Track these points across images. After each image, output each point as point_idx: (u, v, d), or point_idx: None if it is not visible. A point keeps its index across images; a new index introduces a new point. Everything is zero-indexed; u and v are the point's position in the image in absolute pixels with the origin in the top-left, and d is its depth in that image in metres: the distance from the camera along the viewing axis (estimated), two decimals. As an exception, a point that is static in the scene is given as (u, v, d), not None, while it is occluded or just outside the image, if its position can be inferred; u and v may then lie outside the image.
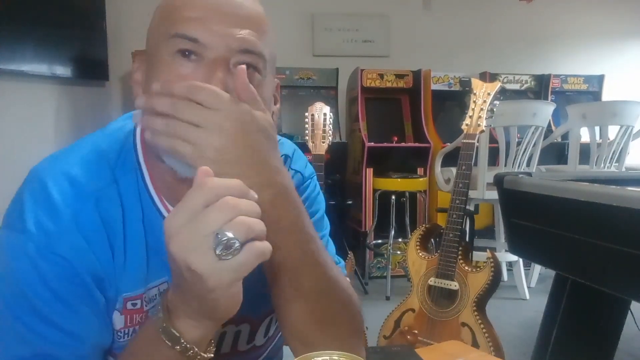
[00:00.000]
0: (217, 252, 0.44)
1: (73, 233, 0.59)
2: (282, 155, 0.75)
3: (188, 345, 0.52)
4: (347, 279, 0.75)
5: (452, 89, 3.83)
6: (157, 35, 0.60)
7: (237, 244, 0.45)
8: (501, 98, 2.01)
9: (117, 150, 0.65)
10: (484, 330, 1.68)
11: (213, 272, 0.45)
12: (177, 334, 0.52)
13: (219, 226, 0.44)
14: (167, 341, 0.52)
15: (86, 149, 0.65)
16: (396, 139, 3.60)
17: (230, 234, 0.44)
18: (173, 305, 0.53)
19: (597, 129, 2.98)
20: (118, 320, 0.64)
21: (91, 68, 3.10)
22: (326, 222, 0.82)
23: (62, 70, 2.80)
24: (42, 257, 0.58)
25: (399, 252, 3.35)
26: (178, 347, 0.52)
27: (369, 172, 3.49)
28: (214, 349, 0.57)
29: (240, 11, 0.60)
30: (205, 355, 0.55)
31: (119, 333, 0.64)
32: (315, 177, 0.82)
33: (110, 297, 0.62)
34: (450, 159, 2.62)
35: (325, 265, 0.63)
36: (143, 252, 0.63)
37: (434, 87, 3.80)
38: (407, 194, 3.37)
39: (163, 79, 0.56)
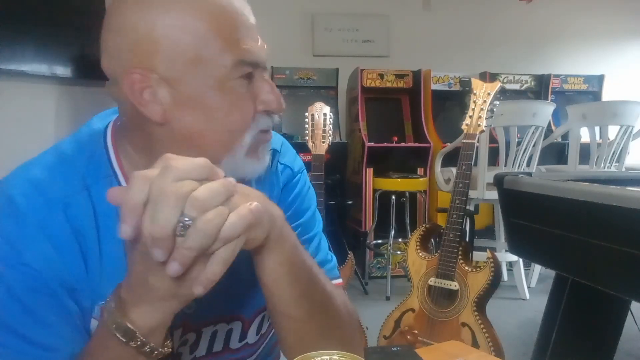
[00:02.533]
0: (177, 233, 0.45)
1: (40, 241, 0.57)
2: (269, 150, 0.74)
3: (144, 340, 0.50)
4: (343, 291, 0.74)
5: (452, 89, 3.83)
6: (201, 59, 0.58)
7: (188, 221, 0.44)
8: (501, 98, 2.01)
9: (87, 157, 0.64)
10: (484, 330, 1.68)
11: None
12: (132, 328, 0.50)
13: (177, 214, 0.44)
14: (121, 337, 0.50)
15: (51, 156, 0.64)
16: (396, 139, 3.60)
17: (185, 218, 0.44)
18: (128, 292, 0.51)
19: (597, 129, 2.98)
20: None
21: (91, 68, 3.08)
22: (318, 218, 0.80)
23: (62, 70, 2.79)
24: (8, 267, 0.56)
25: (399, 252, 3.35)
26: (133, 343, 0.50)
27: (369, 172, 3.49)
28: (171, 346, 0.55)
29: (253, 19, 0.63)
30: (163, 350, 0.53)
31: None
32: (304, 170, 0.81)
33: (86, 306, 0.61)
34: (450, 159, 2.62)
35: (320, 288, 0.63)
36: (122, 260, 0.61)
37: (434, 87, 3.80)
38: (407, 194, 3.37)
39: (227, 103, 0.60)
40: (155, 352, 0.52)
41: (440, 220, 3.13)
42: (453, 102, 3.78)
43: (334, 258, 0.80)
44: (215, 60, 0.59)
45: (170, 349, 0.54)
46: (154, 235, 0.44)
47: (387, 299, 3.10)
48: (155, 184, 0.44)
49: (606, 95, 4.09)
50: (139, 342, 0.50)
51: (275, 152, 0.76)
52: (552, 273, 1.63)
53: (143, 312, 0.50)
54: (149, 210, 0.44)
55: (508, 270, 3.40)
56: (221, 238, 0.46)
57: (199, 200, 0.44)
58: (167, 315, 0.51)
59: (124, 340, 0.50)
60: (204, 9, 0.58)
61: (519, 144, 2.94)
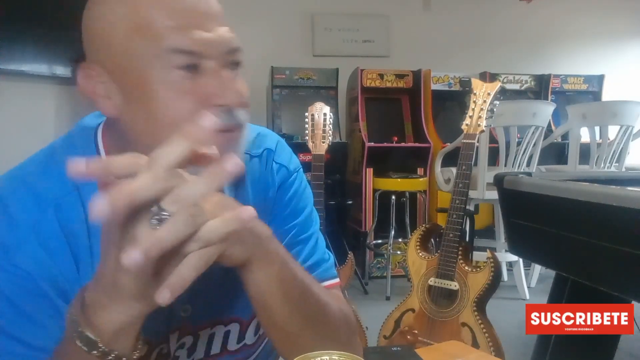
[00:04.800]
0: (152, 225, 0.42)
1: (31, 243, 0.57)
2: (264, 150, 0.73)
3: (106, 349, 0.48)
4: (339, 293, 0.73)
5: (452, 89, 3.83)
6: (135, 50, 0.56)
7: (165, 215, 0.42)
8: (501, 98, 2.01)
9: (77, 155, 0.63)
10: (484, 330, 1.68)
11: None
12: (94, 338, 0.47)
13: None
14: (83, 346, 0.47)
15: (43, 156, 0.64)
16: (396, 139, 3.60)
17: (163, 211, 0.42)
18: (95, 292, 0.48)
19: (597, 129, 2.98)
20: None
21: (91, 68, 3.09)
22: (315, 217, 0.78)
23: (62, 70, 2.79)
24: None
25: (399, 252, 3.35)
26: (95, 352, 0.47)
27: (369, 172, 3.49)
28: (141, 352, 0.51)
29: (211, 8, 0.58)
30: (131, 358, 0.50)
31: None
32: (301, 170, 0.79)
33: None
34: (450, 159, 2.62)
35: (314, 300, 0.61)
36: None
37: (434, 87, 3.80)
38: (407, 194, 3.37)
39: (166, 97, 0.56)
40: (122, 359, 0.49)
41: (440, 220, 3.13)
42: (453, 102, 3.78)
43: (332, 257, 0.79)
44: (148, 50, 0.56)
45: (139, 356, 0.51)
46: (119, 214, 0.41)
47: (387, 299, 3.10)
48: (148, 170, 0.42)
49: (606, 95, 4.09)
50: (101, 351, 0.48)
51: (270, 152, 0.75)
52: (552, 273, 1.63)
53: (109, 313, 0.47)
54: (129, 188, 0.41)
55: (508, 270, 3.40)
56: (198, 237, 0.43)
57: (179, 196, 0.42)
58: (135, 319, 0.48)
59: (85, 349, 0.47)
60: None
61: (519, 144, 2.94)
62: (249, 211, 0.45)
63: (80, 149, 0.64)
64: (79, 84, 0.60)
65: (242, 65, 0.61)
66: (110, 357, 0.48)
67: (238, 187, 0.69)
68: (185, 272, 0.44)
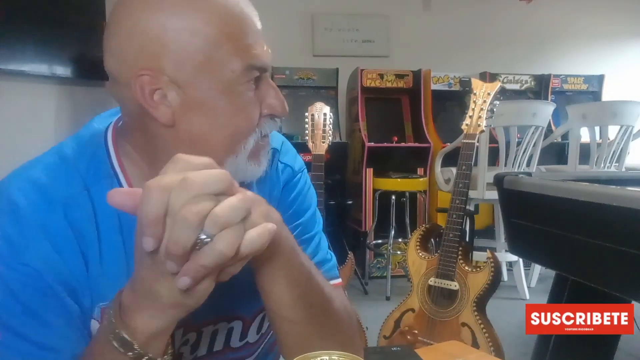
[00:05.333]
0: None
1: (40, 241, 0.57)
2: (270, 149, 0.73)
3: (141, 351, 0.50)
4: (342, 292, 0.74)
5: (452, 89, 3.83)
6: (214, 60, 0.58)
7: (206, 239, 0.44)
8: (501, 98, 2.01)
9: (87, 158, 0.64)
10: (484, 330, 1.68)
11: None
12: (129, 339, 0.49)
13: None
14: (118, 347, 0.50)
15: (52, 157, 0.64)
16: (396, 139, 3.60)
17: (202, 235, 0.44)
18: (131, 297, 0.50)
19: (597, 129, 2.98)
20: (97, 328, 0.61)
21: (91, 68, 3.08)
22: (318, 217, 0.80)
23: (62, 70, 2.79)
24: (8, 267, 0.56)
25: (399, 252, 3.35)
26: (130, 354, 0.50)
27: (369, 172, 3.49)
28: (171, 356, 0.54)
29: (259, 26, 0.63)
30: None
31: None
32: (305, 170, 0.80)
33: (86, 306, 0.61)
34: (450, 159, 2.62)
35: (319, 291, 0.63)
36: (122, 261, 0.62)
37: (434, 87, 3.80)
38: (407, 194, 3.37)
39: (235, 107, 0.61)
40: None
41: (440, 220, 3.13)
42: (453, 102, 3.78)
43: (334, 258, 0.79)
44: (225, 65, 0.59)
45: (170, 358, 0.54)
46: (171, 252, 0.44)
47: (387, 299, 3.10)
48: (175, 199, 0.43)
49: (606, 95, 4.09)
50: (136, 353, 0.50)
51: (275, 151, 0.76)
52: (552, 273, 1.63)
53: (144, 318, 0.49)
54: (167, 225, 0.44)
55: (508, 270, 3.40)
56: (239, 256, 0.46)
57: (219, 217, 0.44)
58: (169, 323, 0.51)
59: (121, 350, 0.50)
60: (214, 13, 0.58)
61: (519, 144, 2.94)
62: (271, 225, 0.48)
63: (89, 151, 0.65)
64: (134, 89, 0.58)
65: None
66: (144, 359, 0.50)
67: (243, 186, 0.70)
68: (221, 277, 0.49)
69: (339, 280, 0.77)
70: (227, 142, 0.62)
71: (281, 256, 0.56)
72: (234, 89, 0.60)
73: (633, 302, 0.99)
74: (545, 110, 2.93)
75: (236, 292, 0.68)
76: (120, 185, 0.64)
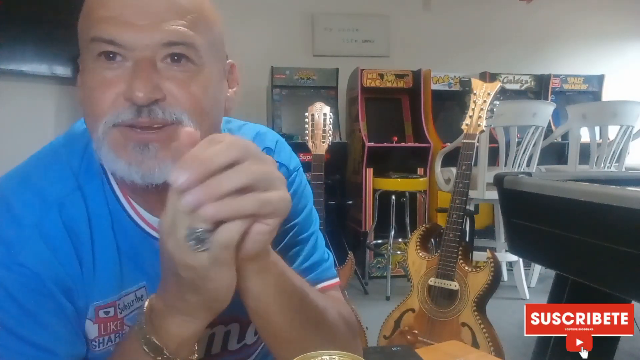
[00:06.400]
0: (192, 247, 0.44)
1: (36, 242, 0.57)
2: (264, 149, 0.73)
3: (171, 357, 0.51)
4: (339, 294, 0.73)
5: (452, 89, 3.83)
6: (80, 39, 0.58)
7: (206, 235, 0.44)
8: (501, 98, 2.01)
9: (79, 156, 0.63)
10: (484, 330, 1.68)
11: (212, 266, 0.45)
12: (160, 344, 0.51)
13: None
14: (149, 352, 0.51)
15: (44, 155, 0.64)
16: (396, 139, 3.60)
17: (199, 228, 0.43)
18: (162, 306, 0.51)
19: (597, 129, 2.98)
20: (91, 329, 0.62)
21: (91, 68, 3.09)
22: (315, 216, 0.78)
23: (62, 70, 2.79)
24: (4, 268, 0.56)
25: (399, 252, 3.35)
26: (160, 358, 0.51)
27: (369, 172, 3.49)
28: (197, 354, 0.55)
29: (159, 2, 0.56)
30: None
31: (93, 342, 0.62)
32: (301, 168, 0.79)
33: (80, 306, 0.60)
34: (450, 159, 2.62)
35: (312, 308, 0.61)
36: (115, 258, 0.62)
37: (434, 87, 3.80)
38: (407, 194, 3.37)
39: (92, 86, 0.56)
40: None
41: (440, 220, 3.13)
42: (453, 102, 3.78)
43: (331, 257, 0.78)
44: (81, 37, 0.58)
45: (196, 357, 0.55)
46: (212, 194, 0.42)
47: (387, 299, 3.10)
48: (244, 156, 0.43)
49: (606, 95, 4.08)
50: (165, 358, 0.51)
51: (269, 151, 0.75)
52: (552, 273, 1.63)
53: (178, 322, 0.50)
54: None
55: (508, 270, 3.40)
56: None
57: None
58: (200, 327, 0.52)
59: (151, 354, 0.51)
60: None
61: (519, 144, 2.94)
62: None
63: (81, 147, 0.64)
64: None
65: (195, 61, 0.57)
66: None
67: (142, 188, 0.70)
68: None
69: (337, 279, 0.76)
70: (90, 127, 0.59)
71: (270, 278, 0.54)
72: (85, 66, 0.57)
73: (633, 302, 0.99)
74: (545, 110, 2.93)
75: (233, 296, 0.68)
76: (109, 183, 0.63)
